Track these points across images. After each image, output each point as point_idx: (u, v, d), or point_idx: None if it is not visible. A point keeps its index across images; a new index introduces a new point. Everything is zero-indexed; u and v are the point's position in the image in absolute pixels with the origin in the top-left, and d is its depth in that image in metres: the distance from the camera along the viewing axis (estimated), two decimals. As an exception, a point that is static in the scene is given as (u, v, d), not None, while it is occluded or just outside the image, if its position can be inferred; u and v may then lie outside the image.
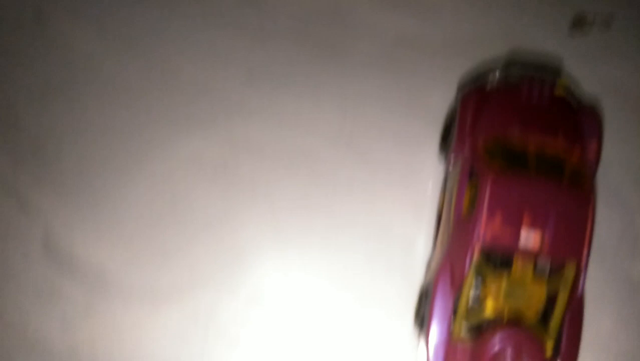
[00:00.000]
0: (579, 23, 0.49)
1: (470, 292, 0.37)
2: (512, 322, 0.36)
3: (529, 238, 0.36)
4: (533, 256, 0.36)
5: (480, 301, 0.37)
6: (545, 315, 0.37)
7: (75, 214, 0.45)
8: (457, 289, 0.37)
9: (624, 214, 0.45)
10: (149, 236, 0.45)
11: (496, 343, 0.35)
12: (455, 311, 0.37)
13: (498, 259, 0.37)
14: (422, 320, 0.39)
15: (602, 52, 0.49)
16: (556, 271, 0.37)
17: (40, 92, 0.48)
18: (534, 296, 0.37)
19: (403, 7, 0.49)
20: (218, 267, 0.44)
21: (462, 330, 0.37)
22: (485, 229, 0.36)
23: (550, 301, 0.37)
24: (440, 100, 0.47)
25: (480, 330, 0.37)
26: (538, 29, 0.49)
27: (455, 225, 0.39)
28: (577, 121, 0.41)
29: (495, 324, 0.36)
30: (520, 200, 0.36)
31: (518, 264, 0.37)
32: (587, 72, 0.48)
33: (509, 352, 0.35)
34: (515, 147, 0.39)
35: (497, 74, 0.44)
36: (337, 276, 0.45)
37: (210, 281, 0.45)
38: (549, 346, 0.37)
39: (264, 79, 0.48)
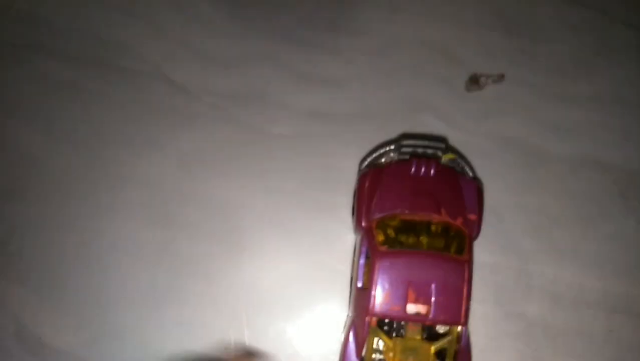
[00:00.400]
0: (473, 83, 0.54)
1: (371, 354, 0.44)
2: None
3: (415, 308, 0.42)
4: (420, 322, 0.43)
5: (382, 360, 0.44)
6: None
7: (41, 304, 0.52)
8: (361, 350, 0.44)
9: (518, 260, 0.51)
10: (105, 317, 0.51)
11: None
12: None
13: (392, 325, 0.44)
14: None
15: (495, 107, 0.54)
16: (443, 331, 0.44)
17: (-3, 194, 0.54)
18: (424, 355, 0.43)
19: (315, 84, 0.55)
20: (169, 342, 0.51)
21: None
22: (375, 302, 0.42)
23: (441, 356, 0.44)
24: (351, 170, 0.53)
25: None
26: (436, 92, 0.55)
27: (356, 295, 0.46)
28: (460, 193, 0.47)
29: None
30: (404, 275, 0.43)
31: (408, 330, 0.43)
32: (483, 127, 0.54)
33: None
34: (404, 224, 0.45)
35: (390, 153, 0.50)
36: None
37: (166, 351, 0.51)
38: None
39: (193, 163, 0.54)
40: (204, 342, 0.51)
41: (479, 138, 0.53)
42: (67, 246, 0.53)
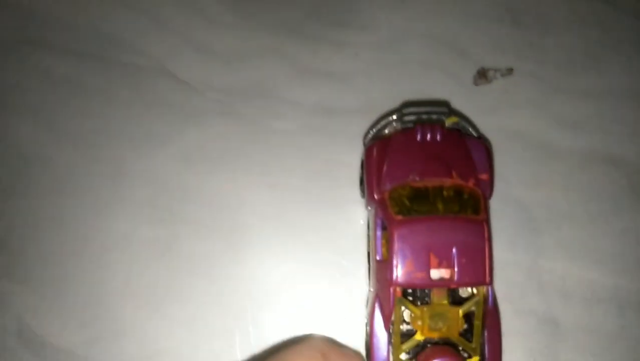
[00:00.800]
0: (481, 76, 0.53)
1: (399, 325, 0.43)
2: (439, 343, 0.42)
3: (438, 273, 0.41)
4: (446, 287, 0.42)
5: (410, 330, 0.43)
6: (469, 332, 0.43)
7: (43, 303, 0.51)
8: (388, 323, 0.43)
9: (528, 256, 0.51)
10: (108, 316, 0.51)
11: None
12: (390, 342, 0.43)
13: (417, 294, 0.43)
14: (367, 350, 0.45)
15: (503, 101, 0.54)
16: (466, 296, 0.43)
17: (-2, 192, 0.53)
18: (453, 320, 0.42)
19: (320, 77, 0.54)
20: (173, 341, 0.50)
21: (400, 357, 0.43)
22: (398, 273, 0.42)
23: (470, 319, 0.43)
24: (356, 165, 0.51)
25: (416, 355, 0.42)
26: (444, 86, 0.54)
27: (376, 268, 0.45)
28: (469, 154, 0.46)
29: (425, 347, 0.42)
30: (424, 242, 0.42)
31: (434, 296, 0.42)
32: (491, 121, 0.53)
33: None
34: (416, 191, 0.44)
35: (393, 123, 0.49)
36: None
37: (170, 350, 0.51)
38: (475, 359, 0.42)
39: (197, 159, 0.53)
40: (208, 341, 0.50)
41: (487, 132, 0.52)
42: (68, 244, 0.52)
